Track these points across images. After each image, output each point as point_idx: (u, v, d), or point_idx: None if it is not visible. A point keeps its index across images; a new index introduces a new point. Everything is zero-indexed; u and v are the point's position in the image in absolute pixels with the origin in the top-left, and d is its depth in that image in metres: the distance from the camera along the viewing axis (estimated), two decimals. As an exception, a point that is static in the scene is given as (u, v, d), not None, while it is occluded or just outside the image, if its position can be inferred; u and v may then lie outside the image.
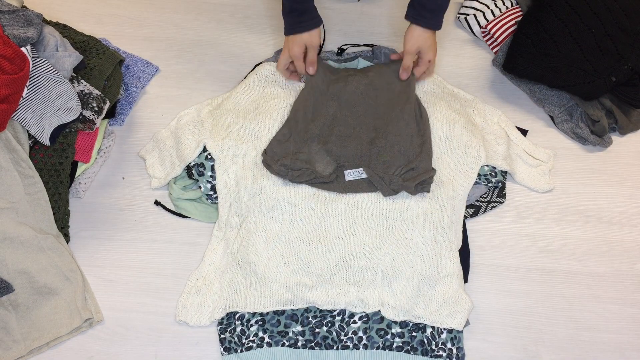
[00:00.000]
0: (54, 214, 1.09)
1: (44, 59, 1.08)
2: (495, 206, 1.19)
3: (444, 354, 1.01)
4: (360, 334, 1.02)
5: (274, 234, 1.07)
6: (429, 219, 1.08)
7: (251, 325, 1.03)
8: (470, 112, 1.24)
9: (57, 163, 1.11)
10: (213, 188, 1.14)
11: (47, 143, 1.08)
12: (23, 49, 1.05)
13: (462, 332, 1.03)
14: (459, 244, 1.10)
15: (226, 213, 1.12)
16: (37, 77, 1.06)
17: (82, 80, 1.13)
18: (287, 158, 1.10)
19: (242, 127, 1.16)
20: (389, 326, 1.03)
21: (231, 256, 1.08)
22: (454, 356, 1.01)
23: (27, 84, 1.05)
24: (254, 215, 1.09)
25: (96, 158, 1.19)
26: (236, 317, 1.04)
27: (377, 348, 1.02)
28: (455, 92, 1.26)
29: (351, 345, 1.02)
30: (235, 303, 1.04)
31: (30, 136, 1.09)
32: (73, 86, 1.10)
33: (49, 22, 1.22)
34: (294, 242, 1.06)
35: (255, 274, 1.04)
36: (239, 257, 1.07)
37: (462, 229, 1.12)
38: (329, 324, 1.03)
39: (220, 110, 1.21)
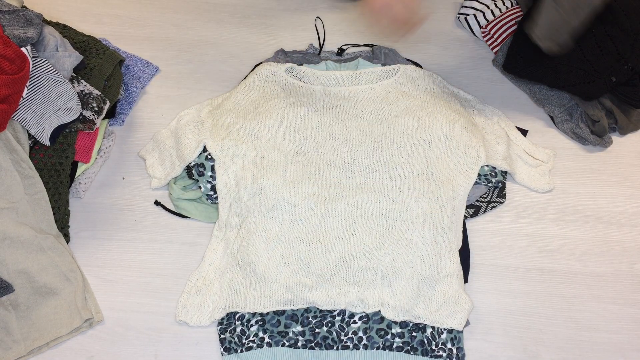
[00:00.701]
0: (54, 214, 1.09)
1: (44, 59, 1.08)
2: (495, 206, 1.19)
3: (444, 354, 1.01)
4: (360, 334, 1.02)
5: (274, 234, 1.07)
6: (429, 219, 1.08)
7: (251, 326, 1.03)
8: (470, 112, 1.24)
9: (57, 163, 1.11)
10: (213, 188, 1.14)
11: (47, 143, 1.08)
12: (23, 49, 1.05)
13: (462, 332, 1.03)
14: (459, 244, 1.10)
15: (226, 213, 1.12)
16: (37, 77, 1.06)
17: (82, 81, 1.13)
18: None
19: (242, 127, 1.16)
20: (389, 326, 1.03)
21: (231, 256, 1.08)
22: (454, 356, 1.01)
23: (27, 84, 1.05)
24: (254, 216, 1.09)
25: (96, 158, 1.19)
26: (236, 317, 1.04)
27: (377, 348, 1.02)
28: (455, 92, 1.26)
29: (351, 346, 1.02)
30: (235, 303, 1.04)
31: (30, 136, 1.09)
32: (73, 86, 1.10)
33: (49, 22, 1.22)
34: (294, 242, 1.07)
35: (256, 274, 1.04)
36: (239, 257, 1.07)
37: (462, 229, 1.12)
38: (329, 324, 1.03)
39: (220, 111, 1.21)
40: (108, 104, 1.15)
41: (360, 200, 1.10)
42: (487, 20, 1.40)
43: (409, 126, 1.17)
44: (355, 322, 1.03)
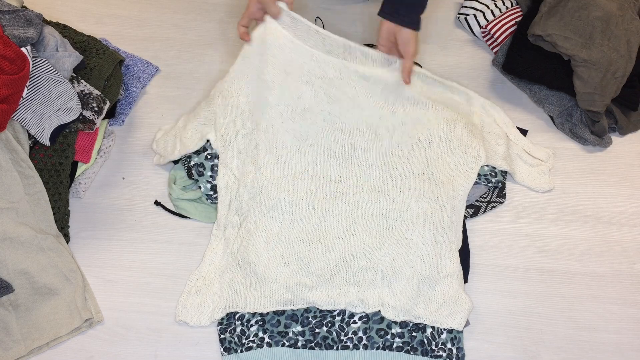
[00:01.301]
0: (54, 214, 1.09)
1: (44, 59, 1.08)
2: (495, 206, 1.19)
3: (444, 354, 1.01)
4: (360, 334, 1.02)
5: (274, 234, 1.07)
6: (429, 219, 1.08)
7: (251, 326, 1.03)
8: (469, 110, 1.23)
9: (57, 163, 1.11)
10: (213, 188, 1.14)
11: (47, 143, 1.08)
12: (23, 49, 1.05)
13: (462, 332, 1.03)
14: (459, 244, 1.10)
15: (225, 211, 1.12)
16: (37, 77, 1.06)
17: (82, 81, 1.13)
18: None
19: (246, 118, 1.14)
20: (389, 326, 1.03)
21: (231, 256, 1.08)
22: (454, 356, 1.01)
23: (27, 84, 1.05)
24: (253, 215, 1.09)
25: (96, 158, 1.19)
26: (236, 317, 1.04)
27: (377, 348, 1.02)
28: (452, 88, 1.23)
29: (351, 346, 1.02)
30: (235, 303, 1.04)
31: (30, 136, 1.09)
32: (73, 86, 1.10)
33: (49, 22, 1.22)
34: (294, 243, 1.06)
35: (255, 274, 1.04)
36: (239, 257, 1.07)
37: (462, 229, 1.12)
38: (329, 324, 1.03)
39: (227, 102, 1.16)
40: (108, 104, 1.15)
41: (360, 199, 1.10)
42: (487, 20, 1.40)
43: (408, 125, 1.16)
44: (355, 322, 1.03)
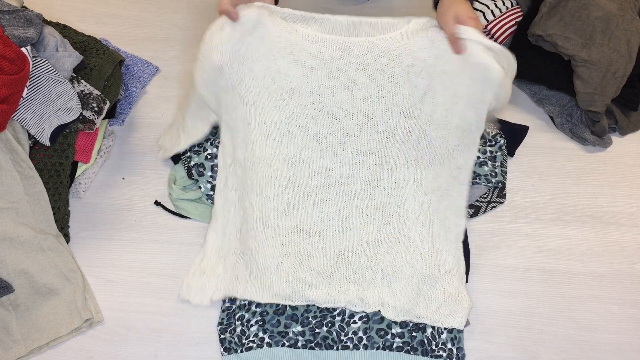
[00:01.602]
0: (54, 214, 1.09)
1: (44, 59, 1.08)
2: (495, 206, 1.19)
3: (444, 354, 1.01)
4: (360, 334, 1.02)
5: (272, 218, 1.06)
6: (425, 213, 1.07)
7: (251, 326, 1.03)
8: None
9: (57, 163, 1.11)
10: (213, 188, 1.14)
11: (47, 143, 1.08)
12: (23, 49, 1.05)
13: (462, 332, 1.03)
14: (461, 234, 1.09)
15: (222, 186, 1.11)
16: (37, 77, 1.06)
17: (82, 81, 1.13)
18: None
19: (229, 94, 1.08)
20: (389, 326, 1.03)
21: (235, 237, 1.08)
22: (454, 356, 1.01)
23: (27, 84, 1.05)
24: (248, 193, 1.08)
25: (96, 158, 1.19)
26: (236, 317, 1.04)
27: (377, 348, 1.02)
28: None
29: (351, 346, 1.02)
30: (235, 289, 1.04)
31: (30, 136, 1.09)
32: (73, 86, 1.10)
33: (49, 22, 1.22)
34: (293, 232, 1.05)
35: (255, 263, 1.04)
36: (241, 240, 1.07)
37: (460, 217, 1.10)
38: (329, 324, 1.03)
39: (207, 82, 1.13)
40: (108, 104, 1.15)
41: (355, 189, 1.08)
42: (487, 20, 1.40)
43: (415, 96, 1.06)
44: (355, 322, 1.03)
